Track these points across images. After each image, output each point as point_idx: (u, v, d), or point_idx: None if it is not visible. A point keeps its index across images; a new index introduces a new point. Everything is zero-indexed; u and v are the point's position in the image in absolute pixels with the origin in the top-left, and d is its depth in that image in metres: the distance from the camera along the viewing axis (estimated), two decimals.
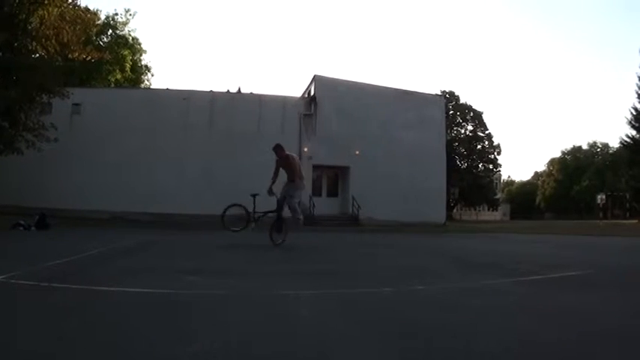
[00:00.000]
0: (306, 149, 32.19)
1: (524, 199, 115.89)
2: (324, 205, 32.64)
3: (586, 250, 13.26)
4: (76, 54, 26.72)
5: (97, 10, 34.12)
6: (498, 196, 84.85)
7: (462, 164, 66.12)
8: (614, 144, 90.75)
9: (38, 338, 3.13)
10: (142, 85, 49.65)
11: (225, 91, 35.18)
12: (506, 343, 3.12)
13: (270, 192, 11.97)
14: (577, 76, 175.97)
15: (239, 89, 36.00)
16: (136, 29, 61.34)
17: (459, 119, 66.97)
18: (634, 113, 50.17)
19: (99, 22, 38.43)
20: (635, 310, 4.39)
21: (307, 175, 32.31)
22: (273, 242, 11.83)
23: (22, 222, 18.21)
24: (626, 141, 51.61)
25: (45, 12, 24.44)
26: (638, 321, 3.84)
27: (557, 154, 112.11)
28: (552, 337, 3.30)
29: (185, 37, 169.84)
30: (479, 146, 67.78)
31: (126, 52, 46.58)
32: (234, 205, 12.53)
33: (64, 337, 3.15)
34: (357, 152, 32.43)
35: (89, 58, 27.81)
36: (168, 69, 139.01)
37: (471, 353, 2.90)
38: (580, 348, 3.06)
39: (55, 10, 24.92)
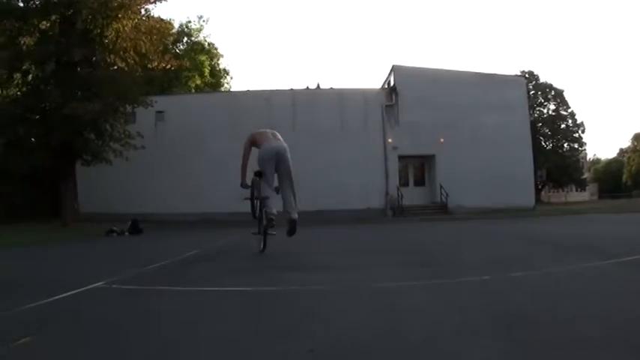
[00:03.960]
0: (390, 140, 32.21)
1: (611, 177, 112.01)
2: (412, 195, 32.47)
3: None
4: (156, 63, 27.24)
5: (171, 20, 34.78)
6: (585, 175, 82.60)
7: (546, 145, 64.43)
8: None
9: (150, 340, 3.19)
10: (222, 89, 50.36)
11: (305, 88, 35.27)
12: (614, 327, 2.99)
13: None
14: None
15: (318, 85, 36.03)
16: (210, 34, 62.38)
17: (541, 99, 65.26)
18: None
19: (174, 30, 39.18)
20: None
21: (393, 165, 32.39)
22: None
23: (114, 228, 18.75)
24: None
25: (120, 25, 25.01)
26: None
27: None
28: None
29: (259, 36, 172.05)
30: (562, 125, 65.88)
31: (203, 58, 47.34)
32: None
33: (174, 338, 3.19)
34: (442, 140, 31.89)
35: (169, 66, 28.29)
36: (247, 70, 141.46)
37: (579, 340, 2.76)
38: None
39: (129, 22, 25.47)
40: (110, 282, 5.69)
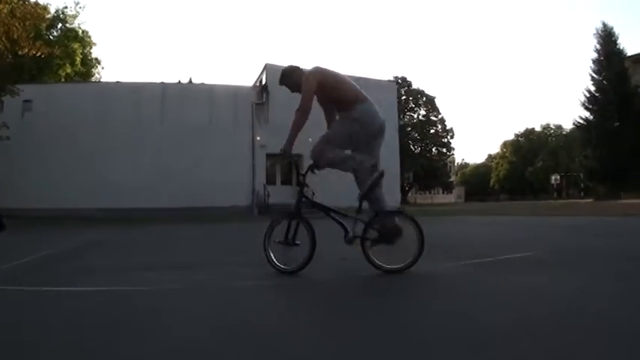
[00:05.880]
0: (259, 138, 32.86)
1: (479, 181, 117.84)
2: (280, 194, 32.55)
3: (540, 231, 12.82)
4: (26, 50, 26.31)
5: (47, 5, 33.50)
6: (452, 179, 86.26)
7: (415, 149, 67.12)
8: (568, 126, 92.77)
9: None
10: (93, 79, 49.00)
11: (177, 82, 35.06)
12: (453, 329, 3.07)
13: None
14: (530, 60, 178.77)
15: (190, 80, 35.99)
16: (85, 22, 60.42)
17: (412, 104, 67.91)
18: (587, 95, 52.61)
19: (49, 16, 37.79)
20: (584, 289, 4.38)
21: (261, 164, 32.82)
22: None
23: None
24: (579, 122, 53.38)
25: None
26: (585, 301, 3.87)
27: (511, 138, 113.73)
28: (499, 319, 3.30)
29: (134, 27, 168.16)
30: (432, 130, 68.91)
31: (76, 46, 45.72)
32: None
33: (20, 341, 3.15)
34: (310, 140, 32.27)
35: (39, 53, 27.38)
36: (119, 61, 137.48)
37: (416, 341, 2.86)
38: (528, 329, 3.01)
39: (5, 7, 24.54)
40: None
